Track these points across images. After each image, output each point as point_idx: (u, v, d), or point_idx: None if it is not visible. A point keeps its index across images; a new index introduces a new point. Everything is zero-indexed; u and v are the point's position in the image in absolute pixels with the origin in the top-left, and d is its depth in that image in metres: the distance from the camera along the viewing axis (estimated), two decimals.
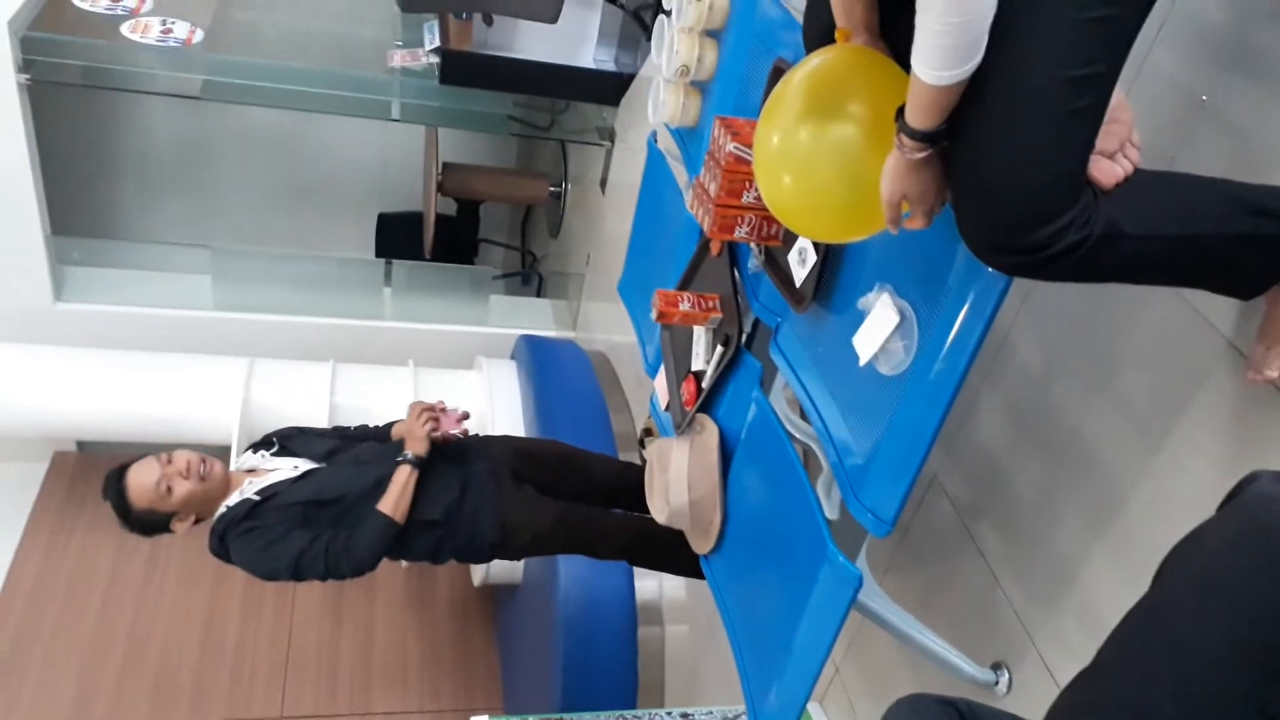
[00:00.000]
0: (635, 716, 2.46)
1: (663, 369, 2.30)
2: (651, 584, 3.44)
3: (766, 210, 1.64)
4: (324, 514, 2.40)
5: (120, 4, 4.03)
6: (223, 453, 3.84)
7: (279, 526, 2.35)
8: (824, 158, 1.23)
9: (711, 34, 2.15)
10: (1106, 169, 1.16)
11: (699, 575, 2.11)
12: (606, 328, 4.33)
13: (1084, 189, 1.12)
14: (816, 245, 1.69)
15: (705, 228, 1.77)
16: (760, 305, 1.96)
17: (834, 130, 1.21)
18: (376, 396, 3.99)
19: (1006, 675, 1.78)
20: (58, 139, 4.37)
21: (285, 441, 2.60)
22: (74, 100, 5.05)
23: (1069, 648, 1.66)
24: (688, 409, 2.11)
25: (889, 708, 1.33)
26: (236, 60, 4.17)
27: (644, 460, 3.33)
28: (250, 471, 2.52)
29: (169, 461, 2.42)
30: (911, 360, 1.45)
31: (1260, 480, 0.96)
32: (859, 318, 1.55)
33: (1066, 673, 1.57)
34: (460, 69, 4.07)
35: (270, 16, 4.67)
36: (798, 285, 1.76)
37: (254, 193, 5.84)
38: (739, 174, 1.67)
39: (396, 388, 4.00)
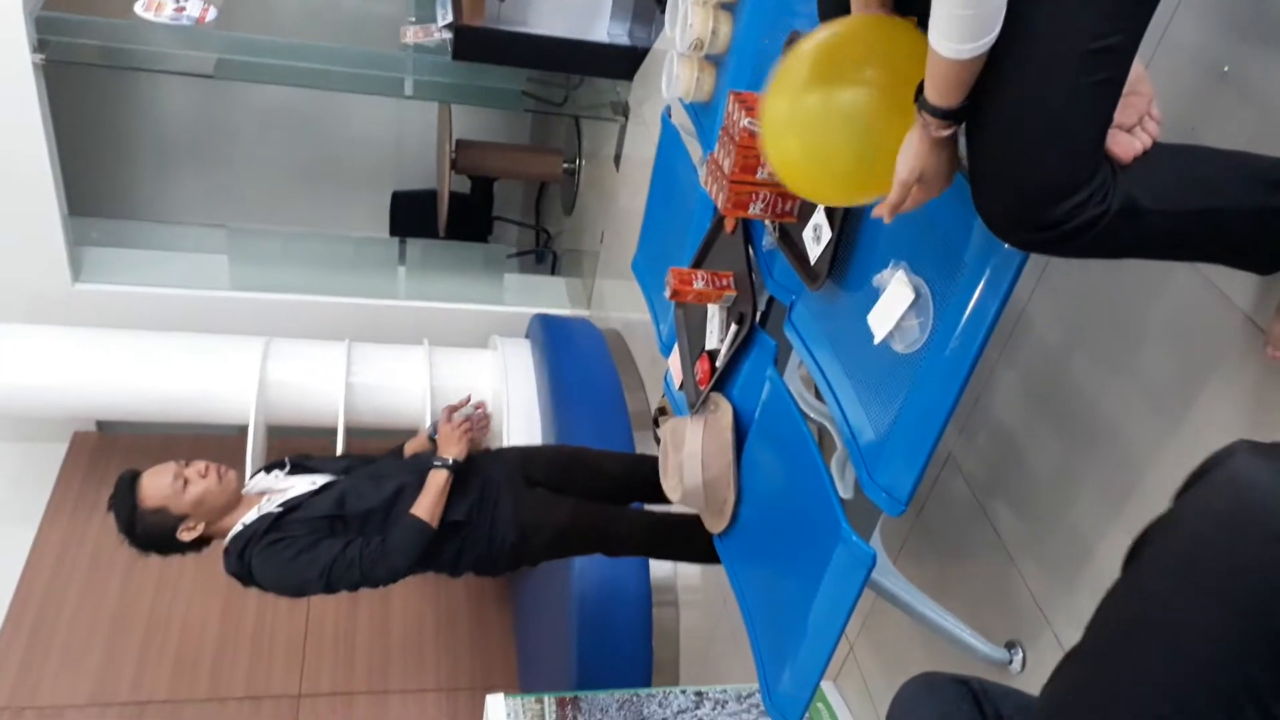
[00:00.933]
0: (650, 695, 2.47)
1: (677, 348, 2.29)
2: (666, 564, 3.45)
3: (781, 186, 1.63)
4: (349, 528, 2.37)
5: None
6: (238, 434, 3.88)
7: (306, 537, 2.31)
8: (834, 112, 1.21)
9: (726, 7, 2.13)
10: (1124, 143, 1.15)
11: (716, 562, 2.11)
12: (621, 306, 4.32)
13: (1102, 163, 1.11)
14: (832, 221, 1.68)
15: (719, 204, 1.76)
16: (775, 283, 1.94)
17: (844, 91, 1.20)
18: (392, 376, 4.01)
19: (1021, 654, 1.77)
20: (74, 120, 4.37)
21: (299, 460, 2.59)
22: (89, 81, 5.05)
23: (1084, 626, 1.65)
24: (702, 388, 2.10)
25: (902, 686, 1.33)
26: (249, 38, 4.17)
27: (658, 440, 3.33)
28: (261, 494, 2.48)
29: (186, 464, 2.43)
30: (927, 338, 1.44)
31: (1237, 455, 0.87)
32: (874, 295, 1.54)
33: None
34: (474, 44, 4.04)
35: None
36: (812, 262, 1.75)
37: (268, 171, 5.85)
38: (754, 150, 1.65)
39: (411, 367, 4.01)
